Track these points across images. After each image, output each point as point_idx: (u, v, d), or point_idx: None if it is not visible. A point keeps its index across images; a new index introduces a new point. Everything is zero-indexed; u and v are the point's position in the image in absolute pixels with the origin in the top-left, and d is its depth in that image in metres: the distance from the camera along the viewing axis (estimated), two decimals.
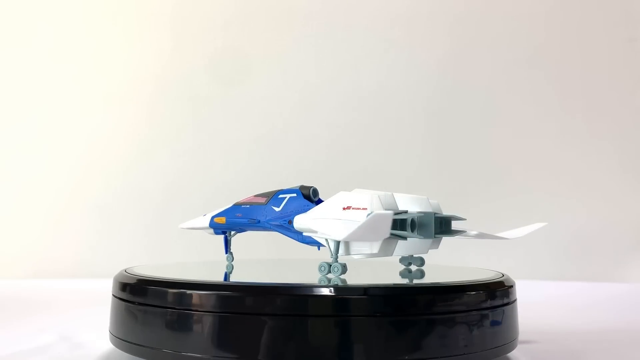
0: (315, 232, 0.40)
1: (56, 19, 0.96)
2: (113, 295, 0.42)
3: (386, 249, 0.38)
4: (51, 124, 0.95)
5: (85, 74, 0.96)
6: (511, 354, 0.42)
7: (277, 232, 0.43)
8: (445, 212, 0.42)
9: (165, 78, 0.96)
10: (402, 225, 0.37)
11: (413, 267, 0.45)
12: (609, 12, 0.94)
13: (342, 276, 0.39)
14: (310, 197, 0.42)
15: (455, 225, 0.42)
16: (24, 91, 0.96)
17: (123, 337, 0.40)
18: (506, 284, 0.41)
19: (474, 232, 0.43)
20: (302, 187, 0.42)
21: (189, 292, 0.37)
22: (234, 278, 0.43)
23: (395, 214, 0.37)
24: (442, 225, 0.40)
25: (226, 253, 0.48)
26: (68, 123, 0.95)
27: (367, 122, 0.95)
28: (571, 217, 0.90)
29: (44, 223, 0.93)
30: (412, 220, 0.38)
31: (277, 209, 0.42)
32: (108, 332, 0.42)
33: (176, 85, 0.96)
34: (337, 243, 0.39)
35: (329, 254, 0.39)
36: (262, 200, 0.43)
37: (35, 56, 0.96)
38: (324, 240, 0.40)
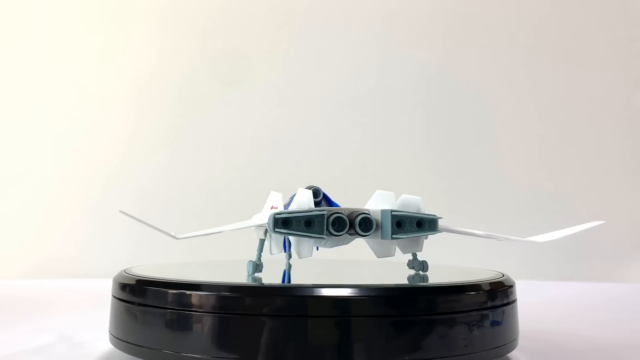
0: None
1: (55, 17, 0.96)
2: (113, 295, 0.42)
3: (297, 250, 0.38)
4: (51, 124, 0.95)
5: (85, 73, 0.96)
6: (511, 354, 0.42)
7: None
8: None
9: (165, 78, 0.96)
10: (308, 223, 0.37)
11: (420, 272, 0.44)
12: (609, 12, 0.94)
13: (259, 274, 0.40)
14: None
15: (446, 224, 0.41)
16: (24, 90, 0.96)
17: (123, 338, 0.40)
18: (506, 284, 0.41)
19: (481, 233, 0.42)
20: (307, 188, 0.42)
21: (188, 292, 0.36)
22: (234, 279, 0.43)
23: (291, 212, 0.36)
24: (420, 225, 0.38)
25: (285, 252, 0.48)
26: (67, 123, 0.95)
27: (366, 122, 0.95)
28: (571, 217, 0.90)
29: (43, 223, 0.93)
30: (312, 218, 0.37)
31: None
32: (108, 332, 0.42)
33: (176, 85, 0.96)
34: (261, 242, 0.40)
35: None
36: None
37: (36, 54, 0.96)
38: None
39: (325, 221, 0.37)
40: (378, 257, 0.40)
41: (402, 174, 0.93)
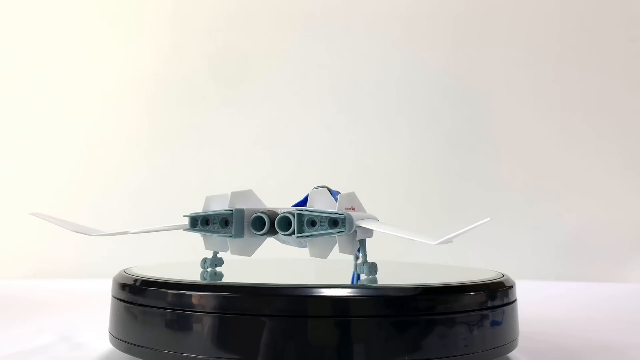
0: None
1: (55, 17, 0.96)
2: (112, 295, 0.42)
3: (214, 246, 0.41)
4: (51, 124, 0.95)
5: (85, 73, 0.96)
6: (511, 354, 0.42)
7: None
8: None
9: (165, 78, 0.95)
10: (226, 222, 0.39)
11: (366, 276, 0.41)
12: (609, 12, 0.94)
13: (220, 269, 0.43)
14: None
15: (366, 223, 0.39)
16: (24, 90, 0.96)
17: (122, 338, 0.40)
18: (506, 284, 0.41)
19: (391, 232, 0.39)
20: (314, 188, 0.42)
21: (188, 292, 0.36)
22: (234, 279, 0.43)
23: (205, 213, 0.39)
24: (337, 224, 0.37)
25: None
26: (67, 123, 0.95)
27: (366, 122, 0.95)
28: (571, 217, 0.90)
29: (43, 223, 0.93)
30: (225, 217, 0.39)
31: None
32: (108, 332, 0.42)
33: (176, 85, 0.96)
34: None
35: None
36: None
37: (35, 55, 0.96)
38: None
39: (235, 220, 0.39)
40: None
41: (402, 174, 0.93)
